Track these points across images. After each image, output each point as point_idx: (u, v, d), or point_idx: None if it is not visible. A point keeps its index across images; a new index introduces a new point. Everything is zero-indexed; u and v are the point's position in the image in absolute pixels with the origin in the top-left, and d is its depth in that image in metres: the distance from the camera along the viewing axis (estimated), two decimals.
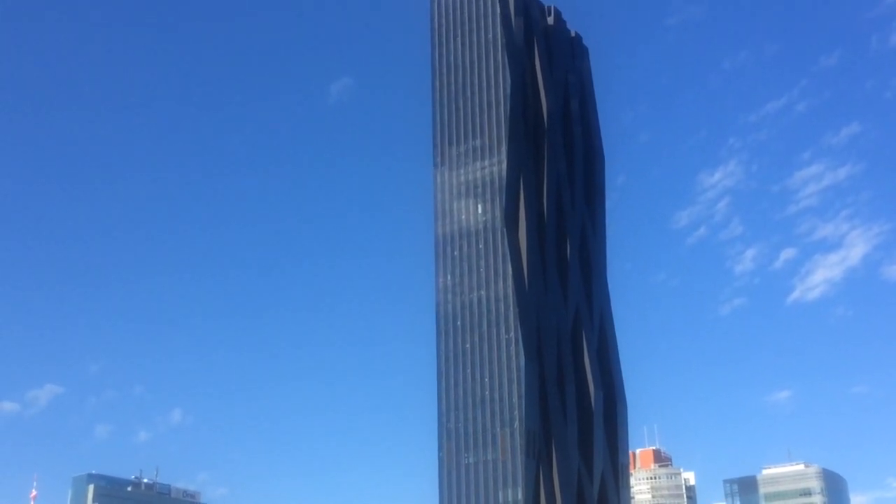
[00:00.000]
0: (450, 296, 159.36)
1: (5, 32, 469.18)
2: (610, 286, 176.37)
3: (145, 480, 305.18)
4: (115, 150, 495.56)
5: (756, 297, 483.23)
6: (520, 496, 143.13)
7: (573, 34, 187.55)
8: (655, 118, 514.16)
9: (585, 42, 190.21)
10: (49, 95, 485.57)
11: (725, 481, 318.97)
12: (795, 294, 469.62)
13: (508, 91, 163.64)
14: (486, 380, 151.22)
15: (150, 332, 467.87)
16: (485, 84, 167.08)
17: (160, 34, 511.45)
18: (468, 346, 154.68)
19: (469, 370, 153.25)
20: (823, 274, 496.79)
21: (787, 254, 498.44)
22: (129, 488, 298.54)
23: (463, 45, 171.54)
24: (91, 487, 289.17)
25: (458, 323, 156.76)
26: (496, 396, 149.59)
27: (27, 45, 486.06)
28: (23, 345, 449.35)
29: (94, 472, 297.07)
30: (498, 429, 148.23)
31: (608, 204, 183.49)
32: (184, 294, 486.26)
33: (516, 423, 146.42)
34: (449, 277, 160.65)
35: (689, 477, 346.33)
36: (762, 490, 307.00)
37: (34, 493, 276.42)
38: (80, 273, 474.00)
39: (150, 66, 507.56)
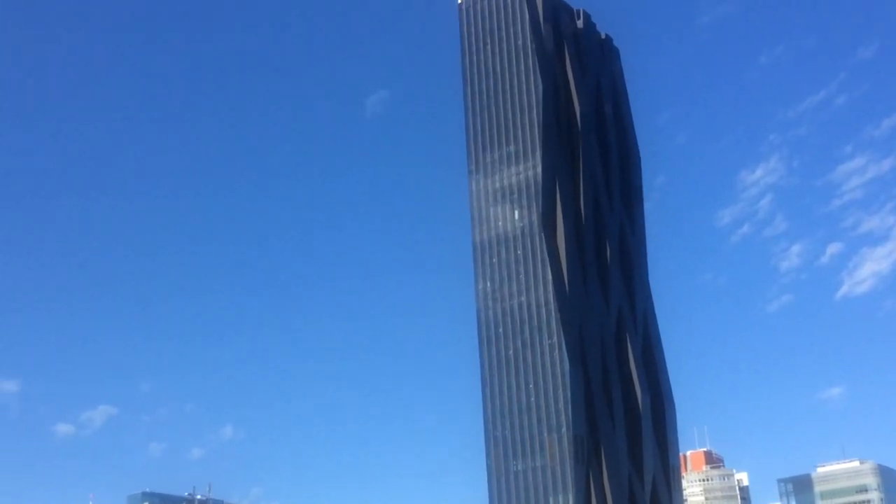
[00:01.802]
0: (490, 303, 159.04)
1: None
2: (654, 287, 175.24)
3: (199, 497, 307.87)
4: (163, 164, 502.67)
5: (804, 294, 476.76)
6: (570, 502, 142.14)
7: (603, 36, 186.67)
8: (693, 117, 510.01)
9: (616, 44, 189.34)
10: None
11: (779, 481, 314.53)
12: (844, 289, 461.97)
13: (540, 96, 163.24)
14: (531, 386, 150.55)
15: (199, 349, 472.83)
16: (516, 90, 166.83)
17: (200, 46, 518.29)
18: (511, 352, 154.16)
19: (513, 377, 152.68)
20: (871, 267, 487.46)
21: (834, 248, 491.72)
22: None
23: (493, 52, 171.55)
24: None
25: (500, 330, 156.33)
26: (542, 403, 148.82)
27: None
28: (76, 367, 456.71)
29: (148, 489, 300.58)
30: (545, 435, 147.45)
31: (647, 205, 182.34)
32: (231, 310, 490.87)
33: (563, 429, 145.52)
34: (488, 284, 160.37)
35: (742, 477, 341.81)
36: (817, 488, 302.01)
37: None
38: (129, 293, 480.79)
39: (190, 78, 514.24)
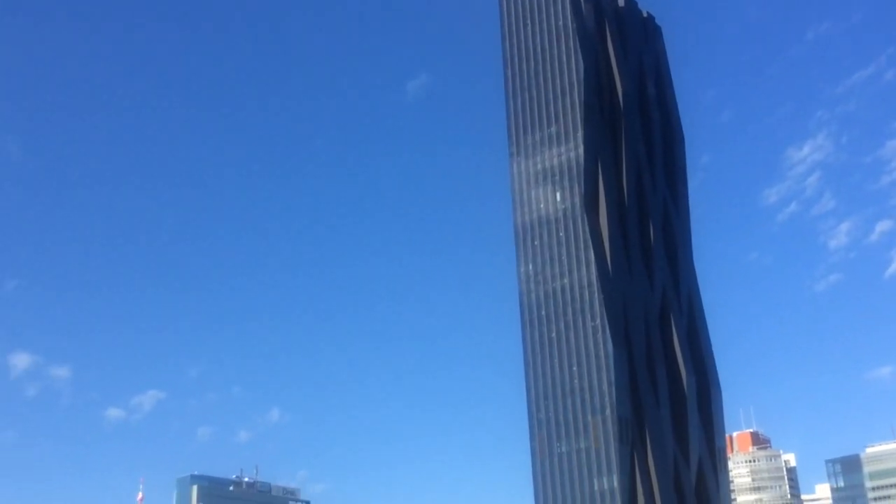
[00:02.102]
0: (532, 285, 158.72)
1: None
2: (700, 267, 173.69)
3: (246, 479, 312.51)
4: (207, 152, 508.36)
5: (852, 272, 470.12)
6: (615, 484, 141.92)
7: (645, 15, 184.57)
8: (738, 94, 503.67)
9: (658, 21, 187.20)
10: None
11: (828, 461, 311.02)
12: (894, 266, 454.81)
13: (581, 76, 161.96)
14: (575, 368, 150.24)
15: (246, 333, 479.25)
16: (557, 70, 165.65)
17: (244, 32, 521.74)
18: (554, 335, 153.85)
19: (556, 359, 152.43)
20: None
21: (883, 226, 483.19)
22: (231, 487, 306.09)
23: (533, 32, 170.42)
24: (195, 488, 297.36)
25: (543, 312, 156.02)
26: (585, 385, 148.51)
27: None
28: (125, 353, 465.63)
29: (196, 472, 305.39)
30: (589, 417, 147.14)
31: (692, 184, 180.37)
32: (277, 295, 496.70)
33: (608, 411, 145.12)
34: (531, 267, 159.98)
35: (790, 458, 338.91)
36: (866, 468, 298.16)
37: (141, 495, 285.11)
38: (177, 279, 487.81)
39: (239, 64, 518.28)
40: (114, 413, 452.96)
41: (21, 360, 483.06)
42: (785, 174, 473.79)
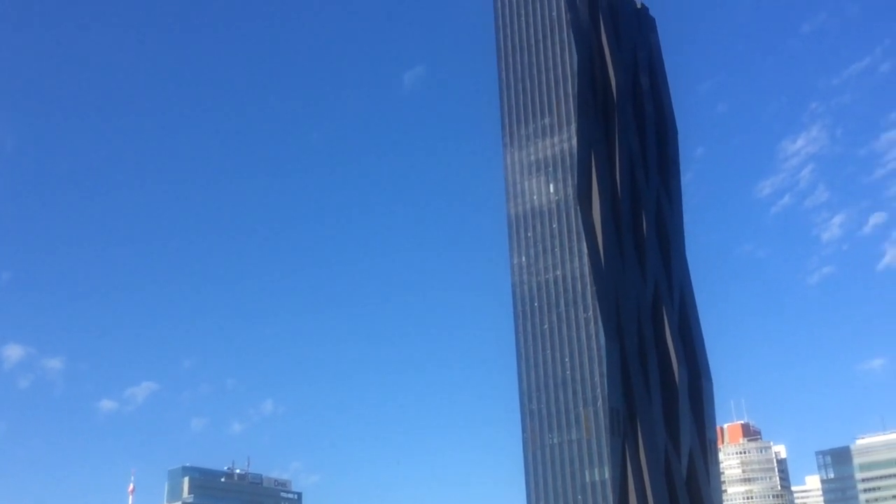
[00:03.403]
0: (525, 276, 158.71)
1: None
2: (692, 259, 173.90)
3: (238, 471, 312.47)
4: (206, 151, 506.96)
5: (845, 265, 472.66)
6: (606, 475, 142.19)
7: (639, 6, 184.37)
8: (733, 86, 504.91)
9: (653, 13, 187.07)
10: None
11: (818, 453, 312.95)
12: (886, 259, 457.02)
13: (575, 68, 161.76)
14: (567, 360, 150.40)
15: (240, 326, 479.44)
16: (551, 62, 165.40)
17: (240, 23, 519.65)
18: (546, 326, 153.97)
19: (549, 351, 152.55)
20: None
21: (877, 218, 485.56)
22: (223, 479, 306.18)
23: (527, 23, 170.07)
24: (186, 479, 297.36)
25: (536, 304, 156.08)
26: (577, 376, 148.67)
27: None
28: (119, 345, 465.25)
29: (188, 464, 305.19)
30: (581, 408, 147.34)
31: (687, 176, 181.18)
32: (271, 288, 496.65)
33: (599, 402, 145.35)
34: (524, 258, 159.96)
35: (780, 450, 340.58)
36: (856, 460, 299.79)
37: (132, 486, 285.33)
38: (171, 273, 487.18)
39: (235, 56, 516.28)
40: (107, 405, 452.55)
41: (14, 352, 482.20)
42: (779, 167, 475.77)
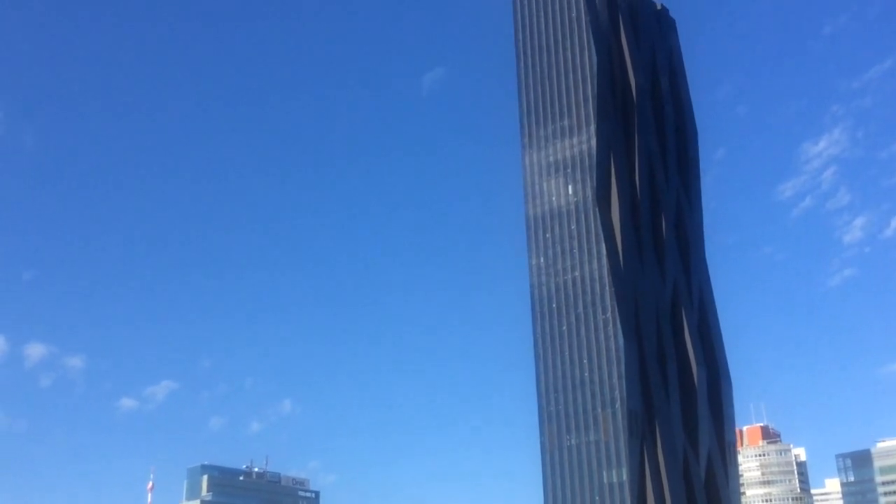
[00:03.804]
0: (544, 278, 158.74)
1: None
2: (713, 261, 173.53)
3: (256, 469, 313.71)
4: (227, 151, 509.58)
5: (867, 267, 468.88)
6: (625, 477, 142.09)
7: (659, 7, 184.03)
8: (754, 88, 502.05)
9: (673, 14, 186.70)
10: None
11: (838, 456, 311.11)
12: None
13: (594, 69, 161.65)
14: (585, 361, 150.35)
15: (259, 325, 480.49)
16: (570, 63, 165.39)
17: (259, 26, 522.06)
18: (564, 328, 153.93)
19: (567, 352, 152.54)
20: None
21: None
22: (241, 478, 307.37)
23: (546, 25, 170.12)
24: (205, 477, 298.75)
25: (554, 305, 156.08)
26: (595, 378, 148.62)
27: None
28: (139, 344, 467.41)
29: (207, 462, 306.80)
30: (599, 410, 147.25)
31: (707, 178, 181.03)
32: (290, 287, 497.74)
33: (618, 404, 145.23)
34: (542, 259, 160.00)
35: (800, 453, 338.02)
36: (877, 463, 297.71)
37: (151, 484, 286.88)
38: (190, 272, 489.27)
39: (254, 58, 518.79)
40: (127, 403, 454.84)
41: (36, 351, 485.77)
42: (800, 169, 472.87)
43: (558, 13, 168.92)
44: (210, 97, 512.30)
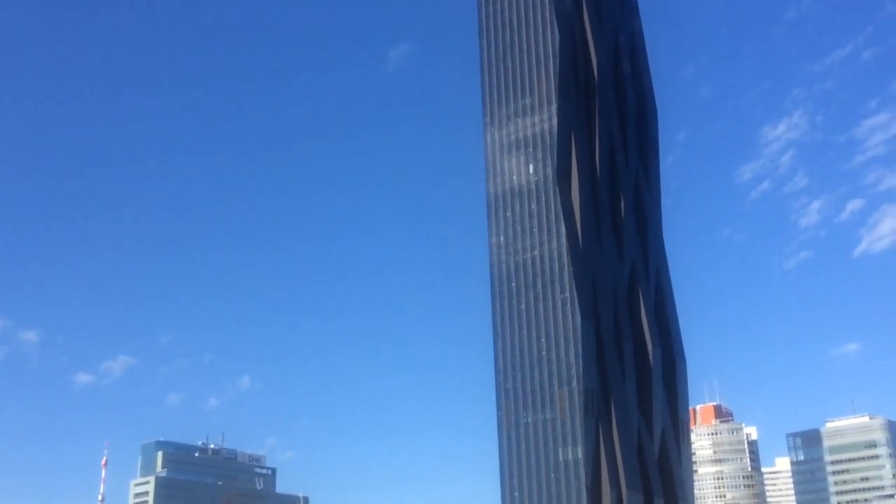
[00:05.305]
0: (503, 256, 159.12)
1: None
2: (671, 242, 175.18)
3: (212, 446, 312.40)
4: (189, 127, 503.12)
5: (822, 250, 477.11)
6: (580, 454, 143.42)
7: None
8: (716, 71, 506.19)
9: None
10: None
11: (788, 435, 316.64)
12: (863, 245, 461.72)
13: (557, 48, 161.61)
14: (543, 339, 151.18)
15: (217, 302, 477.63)
16: (533, 42, 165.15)
17: (221, 4, 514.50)
18: (523, 306, 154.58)
19: (525, 330, 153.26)
20: (891, 224, 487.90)
21: (854, 205, 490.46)
22: (197, 454, 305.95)
23: (510, 2, 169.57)
24: (160, 454, 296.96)
25: (513, 283, 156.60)
26: (553, 356, 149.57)
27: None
28: (96, 318, 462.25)
29: (162, 438, 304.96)
30: (556, 388, 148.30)
31: (669, 160, 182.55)
32: (249, 265, 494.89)
33: (574, 382, 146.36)
34: (502, 237, 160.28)
35: (751, 432, 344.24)
36: (826, 443, 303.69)
37: (105, 459, 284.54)
38: (149, 248, 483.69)
39: (221, 31, 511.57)
40: (83, 378, 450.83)
41: None
42: (760, 152, 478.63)
43: None
44: (167, 73, 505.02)
